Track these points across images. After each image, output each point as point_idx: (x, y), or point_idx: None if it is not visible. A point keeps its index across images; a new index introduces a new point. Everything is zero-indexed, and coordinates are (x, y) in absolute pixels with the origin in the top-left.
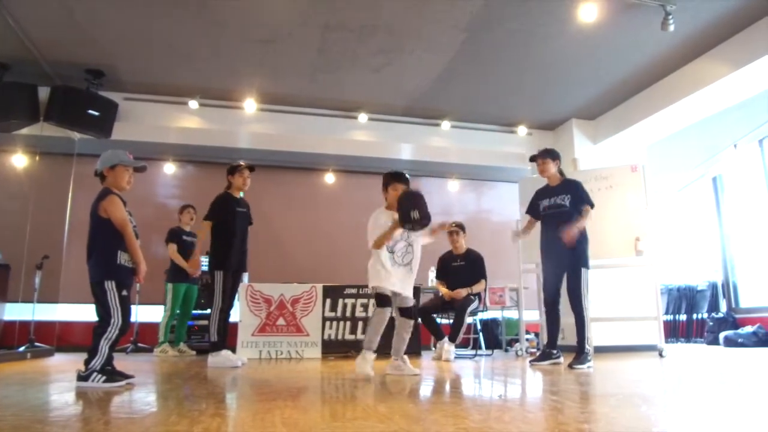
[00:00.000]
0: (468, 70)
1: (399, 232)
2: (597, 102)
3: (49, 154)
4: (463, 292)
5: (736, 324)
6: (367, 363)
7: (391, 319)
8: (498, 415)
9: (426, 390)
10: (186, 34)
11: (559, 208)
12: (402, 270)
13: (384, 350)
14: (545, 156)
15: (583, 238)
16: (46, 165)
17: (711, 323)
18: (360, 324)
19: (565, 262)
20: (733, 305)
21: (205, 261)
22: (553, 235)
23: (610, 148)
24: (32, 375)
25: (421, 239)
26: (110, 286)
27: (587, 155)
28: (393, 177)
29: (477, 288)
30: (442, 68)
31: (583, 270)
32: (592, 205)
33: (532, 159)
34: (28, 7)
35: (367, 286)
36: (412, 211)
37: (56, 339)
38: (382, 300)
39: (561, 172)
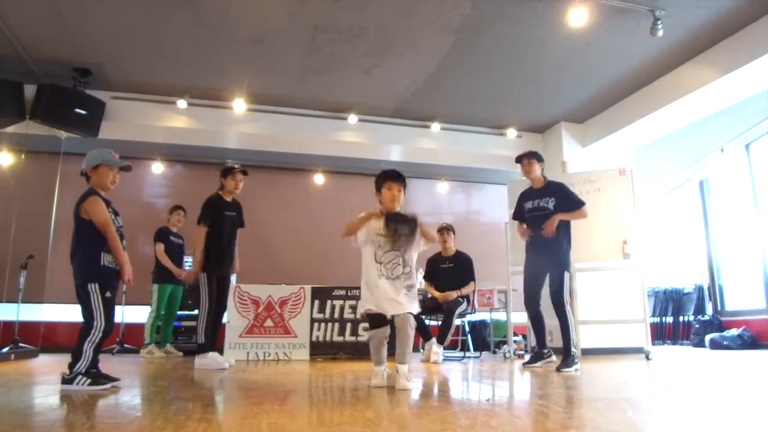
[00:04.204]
0: (458, 73)
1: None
2: (586, 105)
3: (35, 152)
4: (453, 295)
5: (721, 327)
6: (377, 376)
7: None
8: (485, 420)
9: (414, 394)
10: (174, 33)
11: (543, 210)
12: (389, 285)
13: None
14: (531, 157)
15: (566, 242)
16: (31, 164)
17: (697, 326)
18: (348, 325)
19: (547, 265)
20: (719, 308)
21: (189, 262)
22: (536, 237)
23: (598, 152)
24: (16, 377)
25: (416, 250)
26: (93, 288)
27: (576, 158)
28: (386, 176)
29: (466, 290)
30: (432, 70)
31: (566, 273)
32: (583, 203)
33: (518, 159)
34: (15, 4)
35: (356, 288)
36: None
37: (41, 339)
38: (373, 320)
39: (544, 176)
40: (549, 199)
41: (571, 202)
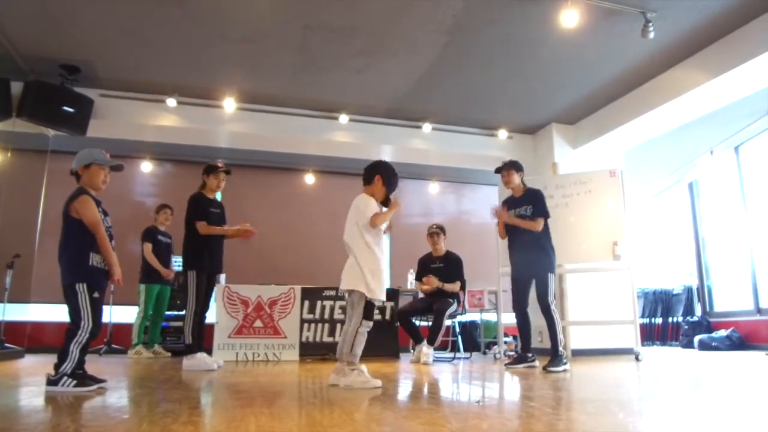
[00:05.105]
0: (450, 73)
1: (385, 225)
2: (577, 107)
3: (22, 150)
4: (435, 282)
5: (710, 328)
6: (368, 376)
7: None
8: (476, 423)
9: (404, 395)
10: (164, 31)
11: (523, 218)
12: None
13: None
14: (509, 168)
15: (547, 245)
16: (18, 161)
17: (686, 327)
18: (338, 326)
19: (531, 269)
20: (708, 309)
21: (179, 261)
22: (519, 243)
23: (589, 153)
24: (0, 378)
25: None
26: (81, 288)
27: (567, 160)
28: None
29: (450, 287)
30: (424, 70)
31: (550, 276)
32: (546, 217)
33: (497, 171)
34: (1, 0)
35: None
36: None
37: (27, 340)
38: (373, 311)
39: (523, 183)
40: (528, 207)
41: (538, 211)
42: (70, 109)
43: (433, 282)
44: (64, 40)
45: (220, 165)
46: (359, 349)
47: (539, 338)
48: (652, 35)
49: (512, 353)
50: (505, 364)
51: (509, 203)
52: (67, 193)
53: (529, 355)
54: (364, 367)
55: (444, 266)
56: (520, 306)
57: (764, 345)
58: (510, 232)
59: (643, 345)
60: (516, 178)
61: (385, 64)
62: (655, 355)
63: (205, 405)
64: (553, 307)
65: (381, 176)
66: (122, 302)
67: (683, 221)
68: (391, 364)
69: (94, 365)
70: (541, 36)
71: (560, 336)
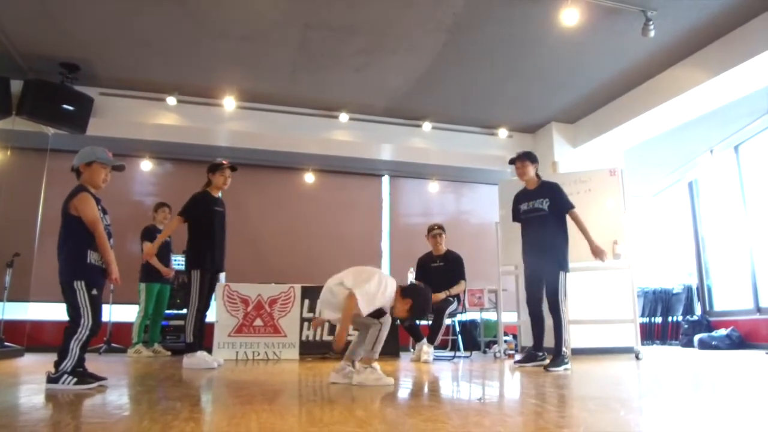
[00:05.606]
0: (450, 72)
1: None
2: (577, 106)
3: (22, 149)
4: (441, 296)
5: (710, 327)
6: (381, 373)
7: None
8: (477, 419)
9: (405, 393)
10: (164, 29)
11: (538, 212)
12: None
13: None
14: (524, 159)
15: (563, 241)
16: (18, 160)
17: (686, 326)
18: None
19: (544, 265)
20: (708, 308)
21: (182, 260)
22: (532, 238)
23: (589, 152)
24: (0, 377)
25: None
26: (79, 285)
27: (567, 158)
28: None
29: (456, 290)
30: (424, 69)
31: (561, 273)
32: (572, 207)
33: (512, 162)
34: None
35: None
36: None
37: (26, 338)
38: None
39: (538, 175)
40: (543, 200)
41: (562, 204)
42: (70, 108)
43: (438, 297)
44: (63, 39)
45: (224, 162)
46: (379, 347)
47: None
48: (652, 34)
49: (512, 352)
50: (515, 362)
51: (522, 197)
52: (67, 192)
53: (540, 353)
54: (377, 365)
55: (444, 265)
56: (533, 304)
57: (764, 344)
58: (524, 227)
59: (643, 344)
60: (531, 170)
61: (384, 63)
62: (655, 354)
63: (206, 402)
64: (562, 306)
65: (412, 302)
66: (122, 301)
67: (683, 221)
68: (391, 363)
69: (93, 364)
70: (541, 35)
71: (565, 336)
